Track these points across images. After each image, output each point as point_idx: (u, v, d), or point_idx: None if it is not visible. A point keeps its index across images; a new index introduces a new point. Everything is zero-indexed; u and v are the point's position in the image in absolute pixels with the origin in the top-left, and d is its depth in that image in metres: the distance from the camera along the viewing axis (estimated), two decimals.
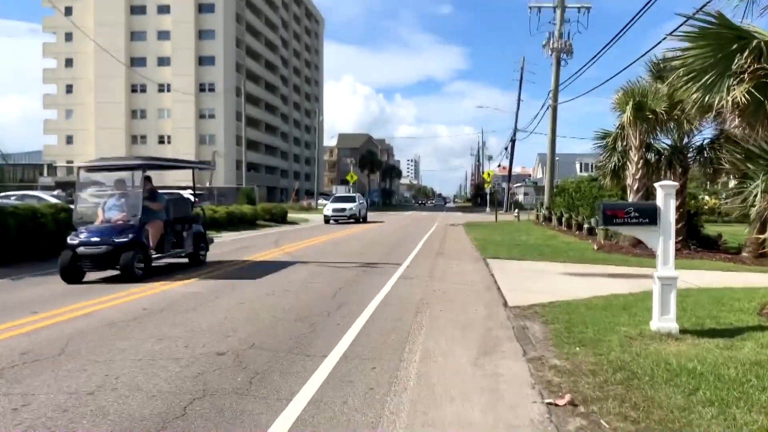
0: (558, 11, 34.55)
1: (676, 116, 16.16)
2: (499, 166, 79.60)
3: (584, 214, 25.13)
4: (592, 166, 68.21)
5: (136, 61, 73.20)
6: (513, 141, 58.12)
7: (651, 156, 17.66)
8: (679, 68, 7.85)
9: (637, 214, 6.86)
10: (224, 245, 20.10)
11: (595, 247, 17.48)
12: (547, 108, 36.07)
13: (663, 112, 15.84)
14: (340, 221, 36.16)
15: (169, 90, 72.78)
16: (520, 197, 72.52)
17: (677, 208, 9.38)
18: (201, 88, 73.76)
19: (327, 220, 36.24)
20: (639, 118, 16.28)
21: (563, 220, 27.52)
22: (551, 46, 34.39)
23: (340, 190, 73.26)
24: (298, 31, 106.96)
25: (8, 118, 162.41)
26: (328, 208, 37.25)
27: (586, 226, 23.17)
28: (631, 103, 16.13)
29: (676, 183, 7.23)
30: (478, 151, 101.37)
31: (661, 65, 17.03)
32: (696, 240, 16.84)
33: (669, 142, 17.90)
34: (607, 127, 19.09)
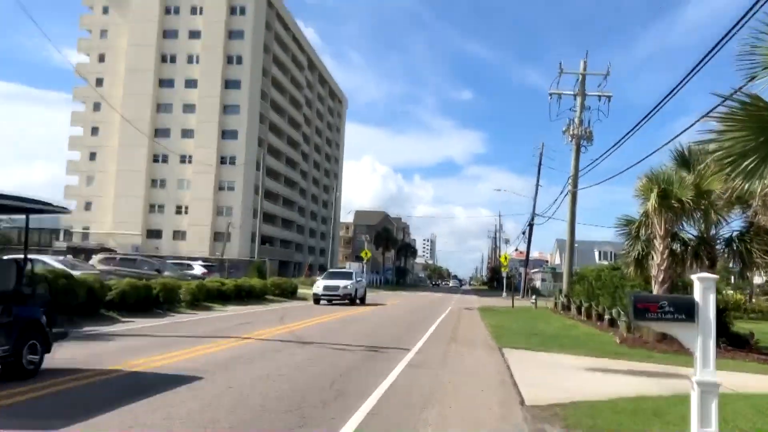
0: (578, 99, 34.56)
1: (703, 206, 15.52)
2: (516, 250, 78.81)
3: (605, 304, 24.14)
4: (611, 254, 67.21)
5: (161, 132, 74.59)
6: (531, 225, 57.40)
7: (676, 246, 16.88)
8: (715, 152, 7.25)
9: (672, 309, 6.09)
10: (225, 320, 19.36)
11: (618, 340, 16.47)
12: (566, 194, 35.59)
13: (689, 201, 15.19)
14: (333, 301, 30.55)
15: (190, 161, 73.68)
16: (538, 283, 71.23)
17: None
18: (222, 160, 74.63)
19: (317, 299, 30.47)
20: (664, 206, 15.62)
21: (582, 309, 26.49)
22: (571, 133, 34.23)
23: (353, 267, 72.47)
24: (321, 110, 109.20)
25: (35, 184, 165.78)
26: (318, 285, 31.49)
27: (607, 317, 22.14)
28: (655, 191, 15.51)
29: (716, 276, 6.48)
30: (495, 234, 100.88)
31: (686, 154, 16.58)
32: (725, 338, 15.80)
33: (695, 232, 17.18)
34: (628, 215, 18.40)
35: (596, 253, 68.94)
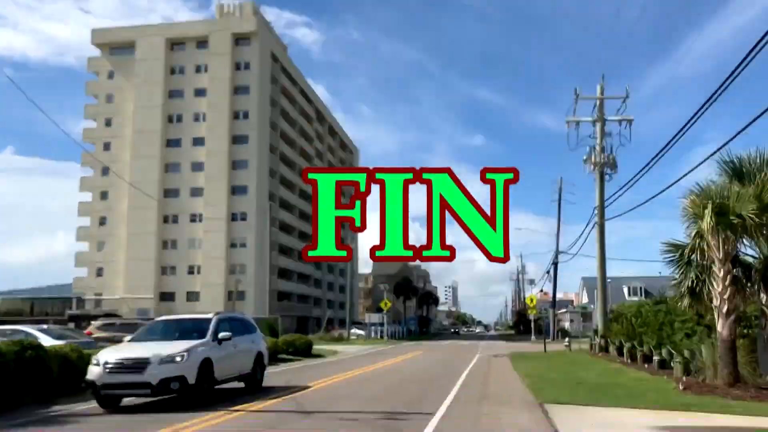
0: (598, 125, 32.46)
1: None
2: (541, 291, 75.90)
3: (649, 343, 21.56)
4: (641, 290, 64.03)
5: (170, 192, 73.43)
6: (555, 264, 54.73)
7: (737, 271, 14.48)
8: None
9: None
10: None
11: (681, 387, 13.90)
12: (593, 227, 33.23)
13: (752, 216, 12.87)
14: (138, 394, 12.57)
15: (201, 220, 72.32)
16: (566, 324, 67.95)
17: None
18: (233, 217, 73.05)
19: (100, 397, 12.22)
20: (722, 224, 13.30)
21: (624, 350, 23.80)
22: (593, 161, 32.04)
23: (374, 318, 69.59)
24: (333, 161, 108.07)
25: (57, 255, 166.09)
26: (101, 358, 12.30)
27: (656, 358, 19.54)
28: (710, 207, 13.20)
29: None
30: (518, 276, 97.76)
31: (738, 164, 14.41)
32: None
33: (754, 253, 14.81)
34: (675, 239, 15.99)
35: (625, 290, 65.77)
